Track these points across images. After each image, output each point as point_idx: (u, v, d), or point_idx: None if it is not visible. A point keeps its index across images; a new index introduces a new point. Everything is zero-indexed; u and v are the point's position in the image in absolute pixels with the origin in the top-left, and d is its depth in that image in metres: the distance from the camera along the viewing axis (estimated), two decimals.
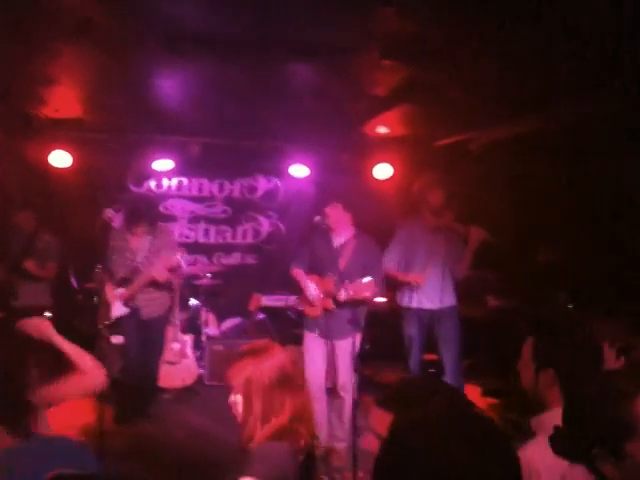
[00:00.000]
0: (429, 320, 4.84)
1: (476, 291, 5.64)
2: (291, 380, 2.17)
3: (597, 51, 3.41)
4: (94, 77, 4.47)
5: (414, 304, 4.84)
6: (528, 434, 4.56)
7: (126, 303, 4.61)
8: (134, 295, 4.67)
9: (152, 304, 4.80)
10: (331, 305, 4.23)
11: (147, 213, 4.83)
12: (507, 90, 4.31)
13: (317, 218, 4.28)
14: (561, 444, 1.67)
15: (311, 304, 4.35)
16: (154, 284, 4.71)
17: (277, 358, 2.16)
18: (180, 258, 4.64)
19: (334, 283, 4.22)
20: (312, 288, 4.31)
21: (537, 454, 1.79)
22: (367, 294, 4.07)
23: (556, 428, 1.76)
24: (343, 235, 4.40)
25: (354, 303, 4.16)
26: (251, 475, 1.91)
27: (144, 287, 4.69)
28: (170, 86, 4.76)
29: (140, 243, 4.79)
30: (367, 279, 4.06)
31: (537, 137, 5.20)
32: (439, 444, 0.92)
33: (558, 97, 4.44)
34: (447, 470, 0.89)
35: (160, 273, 4.57)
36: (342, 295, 4.09)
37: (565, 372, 1.91)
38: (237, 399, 2.10)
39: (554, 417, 1.85)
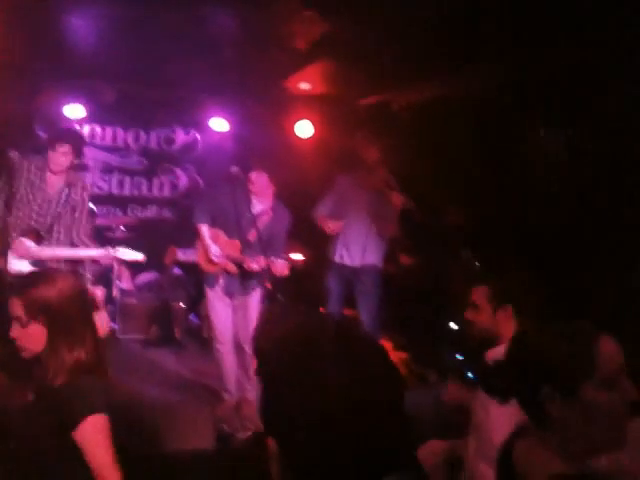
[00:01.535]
0: (350, 276, 4.93)
1: (390, 249, 5.77)
2: (89, 309, 2.08)
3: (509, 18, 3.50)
4: None
5: (337, 259, 4.92)
6: (428, 383, 4.78)
7: (34, 264, 4.19)
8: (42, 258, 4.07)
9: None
10: (234, 269, 4.14)
11: (75, 139, 4.11)
12: (427, 49, 4.35)
13: (234, 169, 4.18)
14: (491, 382, 1.82)
15: (210, 261, 4.21)
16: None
17: (73, 284, 2.03)
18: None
19: (240, 249, 4.15)
20: (215, 249, 4.17)
21: None
22: (279, 274, 4.01)
23: (485, 367, 1.97)
24: (262, 203, 4.25)
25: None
26: (99, 411, 1.90)
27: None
28: (80, 26, 4.51)
29: (57, 182, 4.08)
30: (283, 262, 3.99)
31: (452, 102, 5.33)
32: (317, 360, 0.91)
33: (475, 62, 4.54)
34: (325, 386, 0.89)
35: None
36: (255, 267, 4.01)
37: (520, 307, 2.31)
38: (33, 328, 1.93)
39: None
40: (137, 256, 3.98)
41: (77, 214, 4.10)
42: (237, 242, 4.18)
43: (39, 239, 4.05)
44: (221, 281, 4.25)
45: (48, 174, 4.05)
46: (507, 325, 2.32)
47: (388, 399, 0.93)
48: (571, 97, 4.16)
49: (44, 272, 2.22)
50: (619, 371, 1.39)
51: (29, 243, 4.00)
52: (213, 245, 4.18)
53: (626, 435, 1.42)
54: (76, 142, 4.14)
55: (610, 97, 3.84)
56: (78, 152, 4.14)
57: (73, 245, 4.12)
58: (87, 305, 2.07)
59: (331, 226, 4.81)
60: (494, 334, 2.34)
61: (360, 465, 0.90)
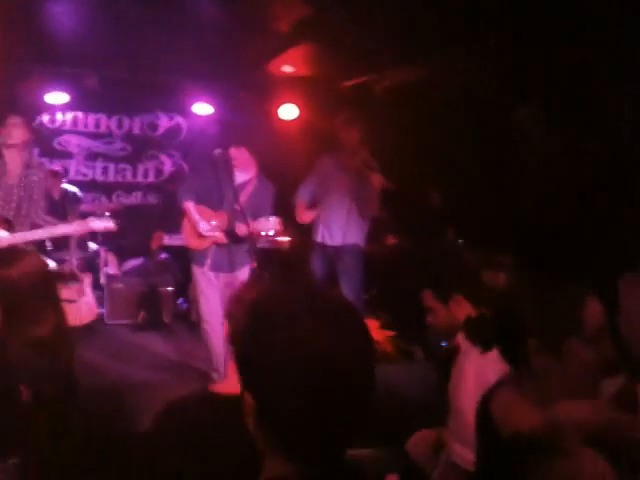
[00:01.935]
0: (332, 255, 4.98)
1: (375, 230, 5.83)
2: (51, 287, 2.09)
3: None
4: None
5: (319, 239, 4.98)
6: (416, 360, 4.86)
7: None
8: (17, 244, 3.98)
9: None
10: (224, 240, 4.20)
11: (24, 112, 4.13)
12: (407, 31, 4.39)
13: (217, 151, 4.22)
14: (474, 331, 1.87)
15: (199, 237, 4.25)
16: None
17: (33, 262, 2.03)
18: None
19: (228, 219, 4.19)
20: (203, 224, 4.22)
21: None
22: (270, 232, 4.09)
23: (469, 318, 2.02)
24: (245, 174, 4.34)
25: (251, 238, 4.16)
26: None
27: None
28: (62, 11, 4.49)
29: (15, 163, 4.05)
30: (273, 218, 4.07)
31: (436, 83, 5.38)
32: (300, 320, 0.93)
33: (455, 43, 4.58)
34: (307, 346, 0.91)
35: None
36: (243, 230, 4.07)
37: (471, 293, 2.26)
38: None
39: None
40: (109, 224, 3.99)
41: (35, 195, 4.11)
42: (223, 214, 4.21)
43: (10, 226, 3.99)
44: (209, 259, 4.28)
45: (6, 154, 4.02)
46: (464, 311, 2.31)
47: (359, 359, 0.95)
48: (550, 72, 4.23)
49: (2, 252, 2.20)
50: (601, 331, 1.45)
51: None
52: (201, 220, 4.22)
53: (600, 390, 1.49)
54: (26, 115, 4.13)
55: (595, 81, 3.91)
56: (30, 126, 4.15)
57: (36, 226, 4.11)
58: (49, 284, 2.07)
59: (304, 217, 4.88)
60: (457, 324, 2.34)
61: (334, 421, 0.92)
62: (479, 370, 2.25)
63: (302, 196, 4.97)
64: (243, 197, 4.23)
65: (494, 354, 2.26)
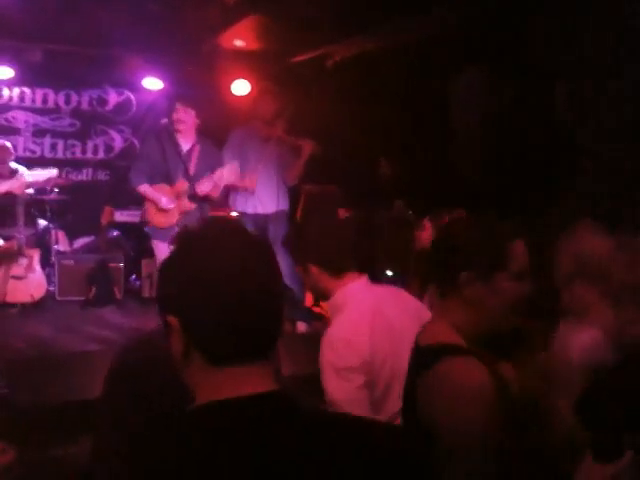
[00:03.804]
0: (264, 223, 5.00)
1: (327, 205, 5.90)
2: None
3: None
4: None
5: (249, 210, 4.98)
6: None
7: None
8: None
9: None
10: (189, 205, 4.30)
11: None
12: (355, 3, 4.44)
13: (164, 121, 4.24)
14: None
15: (164, 214, 4.35)
16: None
17: None
18: None
19: (186, 186, 4.30)
20: (164, 200, 4.32)
21: (358, 327, 2.07)
22: (231, 179, 4.27)
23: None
24: (189, 140, 4.45)
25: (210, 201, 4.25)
26: None
27: None
28: None
29: None
30: (229, 165, 4.23)
31: (383, 55, 5.45)
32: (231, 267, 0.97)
33: (402, 13, 4.65)
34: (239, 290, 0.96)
35: None
36: (203, 187, 4.17)
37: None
38: None
39: (340, 298, 2.16)
40: (52, 172, 4.00)
41: None
42: (179, 184, 4.33)
43: None
44: (173, 232, 4.33)
45: None
46: (326, 284, 2.20)
47: (272, 274, 1.02)
48: (504, 43, 4.34)
49: None
50: (526, 269, 1.57)
51: None
52: (162, 197, 4.30)
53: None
54: None
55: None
56: None
57: None
58: None
59: (248, 183, 4.85)
60: (318, 290, 2.28)
61: (255, 333, 0.97)
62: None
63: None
64: (192, 164, 4.37)
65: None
